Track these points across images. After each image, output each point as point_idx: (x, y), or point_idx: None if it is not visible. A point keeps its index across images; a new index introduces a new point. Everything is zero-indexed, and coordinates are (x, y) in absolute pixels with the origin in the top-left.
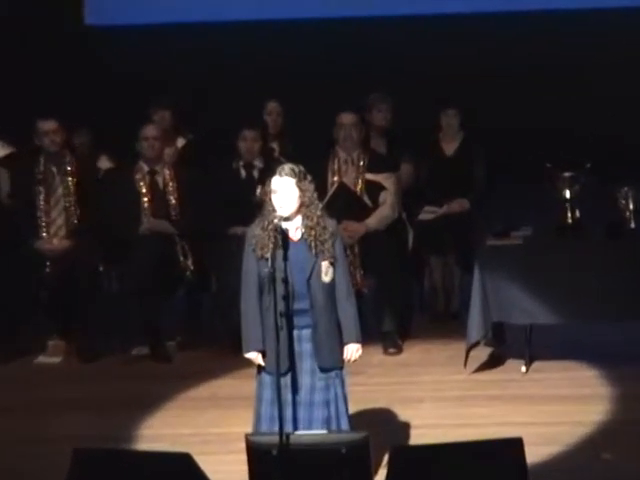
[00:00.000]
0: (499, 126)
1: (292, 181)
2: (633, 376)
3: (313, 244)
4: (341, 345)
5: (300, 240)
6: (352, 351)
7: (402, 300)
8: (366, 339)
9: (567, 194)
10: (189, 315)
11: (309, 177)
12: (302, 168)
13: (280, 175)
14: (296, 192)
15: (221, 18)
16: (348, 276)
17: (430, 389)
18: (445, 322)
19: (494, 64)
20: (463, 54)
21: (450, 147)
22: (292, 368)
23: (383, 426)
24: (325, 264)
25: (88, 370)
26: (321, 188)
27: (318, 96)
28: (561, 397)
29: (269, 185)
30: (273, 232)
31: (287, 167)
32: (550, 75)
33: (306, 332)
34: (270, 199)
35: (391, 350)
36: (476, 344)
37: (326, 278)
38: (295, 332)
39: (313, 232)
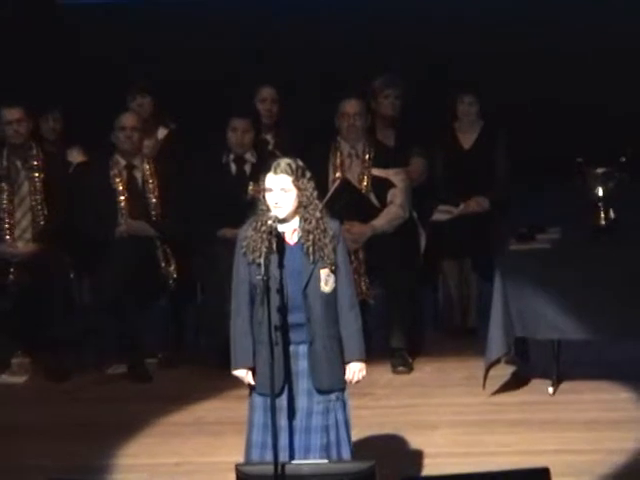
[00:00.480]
0: (524, 113)
1: (289, 179)
2: None
3: (311, 249)
4: (343, 364)
5: (297, 244)
6: (355, 371)
7: (413, 312)
8: (372, 356)
9: (600, 192)
10: (172, 329)
11: (308, 174)
12: (300, 163)
13: (275, 172)
14: (293, 191)
15: None
16: (352, 285)
17: (445, 413)
18: (461, 337)
19: (518, 41)
20: (483, 29)
21: (468, 138)
22: (287, 389)
23: (391, 454)
24: (325, 272)
25: (57, 391)
26: (321, 185)
27: (318, 81)
28: (593, 422)
29: (263, 182)
30: (267, 235)
31: (283, 163)
32: (582, 51)
33: (302, 348)
34: (264, 197)
35: (400, 369)
36: (497, 362)
37: (326, 288)
38: (291, 348)
39: (311, 236)
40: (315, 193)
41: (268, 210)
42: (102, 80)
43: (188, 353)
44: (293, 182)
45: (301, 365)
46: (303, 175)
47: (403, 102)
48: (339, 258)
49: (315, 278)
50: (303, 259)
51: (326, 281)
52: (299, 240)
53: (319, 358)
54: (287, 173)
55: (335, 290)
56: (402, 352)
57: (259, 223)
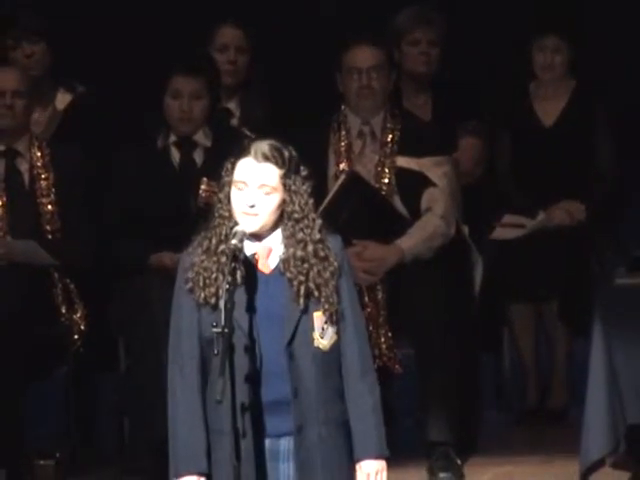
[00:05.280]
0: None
1: (275, 172)
2: None
3: (303, 287)
4: (351, 463)
5: (275, 273)
6: (370, 473)
7: (462, 386)
8: (399, 454)
9: None
10: (76, 412)
11: (304, 171)
12: (294, 153)
13: (256, 157)
14: (278, 193)
15: None
16: (364, 340)
17: None
18: (540, 424)
19: None
20: None
21: (550, 108)
22: None
23: None
24: (320, 317)
25: None
26: (317, 182)
27: (310, 17)
28: None
29: (226, 176)
30: (228, 259)
31: (268, 146)
32: None
33: (286, 443)
34: (226, 198)
35: (443, 475)
36: (599, 465)
37: (322, 342)
38: (267, 443)
39: (306, 266)
40: (311, 202)
41: (230, 219)
42: None
43: (103, 450)
44: (281, 178)
45: (284, 469)
46: (297, 171)
47: (443, 51)
48: (343, 298)
49: (305, 327)
50: (285, 296)
51: (322, 331)
52: (279, 267)
53: (312, 456)
54: (274, 162)
55: (337, 347)
56: (446, 449)
57: (214, 241)
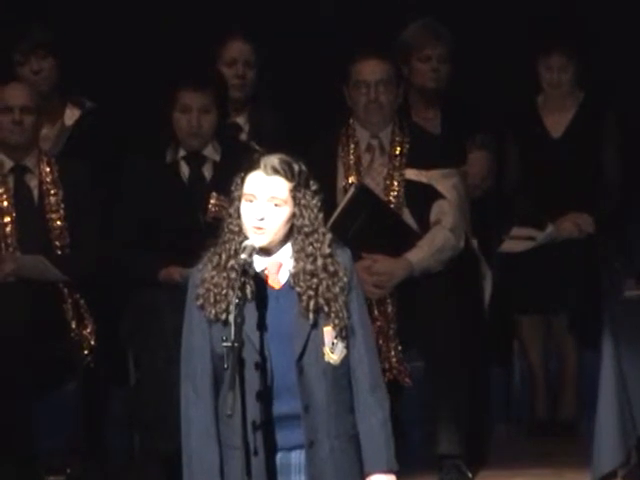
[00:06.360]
0: None
1: (285, 185)
2: None
3: (312, 302)
4: (362, 476)
5: (285, 288)
6: None
7: (472, 398)
8: (409, 466)
9: None
10: (87, 426)
11: (314, 185)
12: (304, 167)
13: (266, 171)
14: (288, 206)
15: None
16: (373, 354)
17: None
18: (551, 437)
19: None
20: None
21: (558, 121)
22: None
23: None
24: (330, 331)
25: None
26: (326, 195)
27: (317, 30)
28: None
29: (236, 190)
30: (239, 274)
31: (278, 160)
32: None
33: (298, 456)
34: (236, 212)
35: None
36: (610, 477)
37: (333, 356)
38: (279, 457)
39: (315, 280)
40: (321, 216)
41: (240, 234)
42: None
43: (113, 465)
44: (291, 192)
45: None
46: (307, 185)
47: (452, 67)
48: (353, 312)
49: (315, 342)
50: (295, 312)
51: (333, 346)
52: (290, 282)
53: (324, 470)
54: (284, 176)
55: (346, 361)
56: (457, 462)
57: (223, 256)
